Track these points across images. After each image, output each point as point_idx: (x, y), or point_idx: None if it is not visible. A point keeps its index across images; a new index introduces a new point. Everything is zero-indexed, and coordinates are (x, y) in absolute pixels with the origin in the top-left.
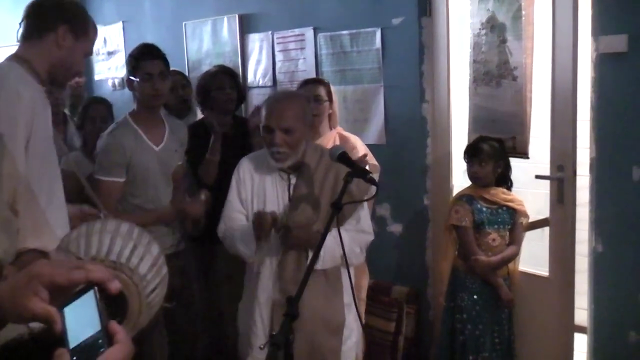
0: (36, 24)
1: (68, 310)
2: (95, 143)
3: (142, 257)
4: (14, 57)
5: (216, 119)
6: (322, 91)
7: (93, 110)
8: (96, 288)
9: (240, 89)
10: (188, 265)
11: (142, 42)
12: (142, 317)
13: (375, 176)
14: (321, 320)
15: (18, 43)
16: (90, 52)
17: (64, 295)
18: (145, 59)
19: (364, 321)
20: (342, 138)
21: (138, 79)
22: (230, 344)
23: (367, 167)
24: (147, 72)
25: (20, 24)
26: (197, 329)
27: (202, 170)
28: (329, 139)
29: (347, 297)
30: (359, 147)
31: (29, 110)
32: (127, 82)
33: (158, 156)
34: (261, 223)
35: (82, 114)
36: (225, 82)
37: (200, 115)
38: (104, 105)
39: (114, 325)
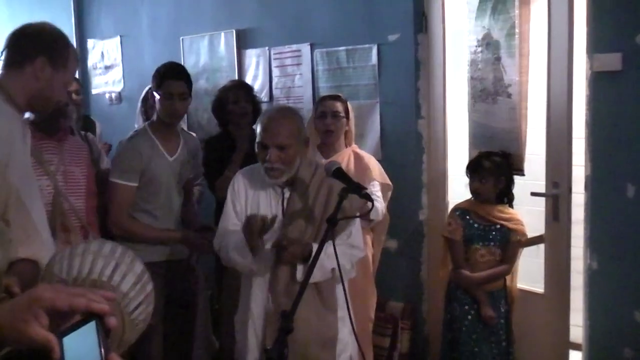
0: (16, 53)
1: (67, 340)
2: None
3: (124, 275)
4: None
5: (235, 132)
6: (340, 107)
7: (87, 126)
8: (98, 320)
9: (256, 102)
10: (189, 273)
11: (140, 56)
12: (127, 334)
13: (388, 195)
14: (314, 333)
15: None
16: (71, 82)
17: (62, 321)
18: (169, 77)
19: (371, 342)
20: (357, 156)
21: (159, 96)
22: (226, 354)
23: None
24: (169, 91)
25: (1, 52)
26: (198, 336)
27: (219, 185)
28: (344, 156)
29: (342, 311)
30: (373, 166)
31: (5, 142)
32: (150, 95)
33: (171, 166)
34: (251, 227)
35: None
36: (240, 95)
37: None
38: (88, 122)
39: (114, 358)
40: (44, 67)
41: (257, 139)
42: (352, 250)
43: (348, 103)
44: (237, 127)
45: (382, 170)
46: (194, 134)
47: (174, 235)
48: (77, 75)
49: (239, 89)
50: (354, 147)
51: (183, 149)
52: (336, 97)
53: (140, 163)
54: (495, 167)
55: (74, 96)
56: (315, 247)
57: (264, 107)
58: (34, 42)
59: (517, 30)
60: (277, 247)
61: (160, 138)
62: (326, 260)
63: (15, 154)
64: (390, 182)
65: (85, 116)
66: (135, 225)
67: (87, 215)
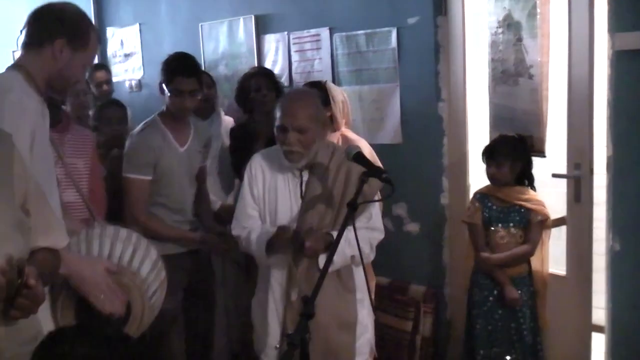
0: (35, 33)
1: None
2: (111, 145)
3: (142, 261)
4: (16, 66)
5: (258, 119)
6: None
7: (108, 112)
8: None
9: (278, 89)
10: (208, 264)
11: (159, 44)
12: (145, 318)
13: None
14: (334, 317)
15: (19, 50)
16: (91, 63)
17: None
18: (179, 74)
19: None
20: (345, 140)
21: (168, 92)
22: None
23: None
24: (179, 88)
25: (21, 31)
26: (217, 326)
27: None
28: (332, 140)
29: (360, 294)
30: (363, 148)
31: (32, 121)
32: (159, 87)
33: (182, 157)
34: (282, 238)
35: (97, 116)
36: (262, 83)
37: (223, 114)
38: (118, 107)
39: None
40: (63, 48)
41: (277, 122)
42: (373, 233)
43: (330, 88)
44: (260, 114)
45: (373, 152)
46: (204, 122)
47: (192, 237)
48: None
49: (261, 76)
50: (344, 130)
51: (194, 138)
52: (314, 84)
53: (152, 156)
54: (510, 151)
55: (104, 87)
56: (335, 234)
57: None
58: (54, 22)
59: (538, 11)
60: (298, 242)
61: (171, 129)
62: (347, 248)
63: (39, 134)
64: (381, 166)
65: (115, 101)
66: (154, 223)
67: (95, 209)
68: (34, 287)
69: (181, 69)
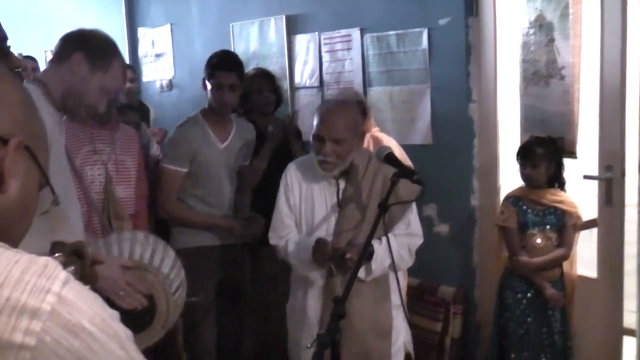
0: (59, 50)
1: None
2: None
3: (162, 260)
4: (35, 81)
5: (256, 121)
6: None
7: (124, 118)
8: None
9: (278, 92)
10: (241, 258)
11: (190, 44)
12: (171, 314)
13: None
14: (370, 324)
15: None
16: (109, 91)
17: None
18: (219, 69)
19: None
20: (376, 140)
21: (211, 86)
22: (276, 343)
23: None
24: (219, 82)
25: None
26: (245, 324)
27: (247, 176)
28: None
29: (396, 299)
30: (394, 149)
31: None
32: (202, 83)
33: (222, 153)
34: (322, 253)
35: None
36: (264, 85)
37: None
38: (133, 112)
39: None
40: (80, 62)
41: (314, 131)
42: (412, 239)
43: (364, 99)
44: (260, 116)
45: (403, 152)
46: (249, 123)
47: (219, 223)
48: (128, 62)
49: (263, 78)
50: (373, 131)
51: (235, 136)
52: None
53: (189, 149)
54: (546, 152)
55: (127, 84)
56: (376, 244)
57: (314, 92)
58: (75, 39)
59: (570, 11)
60: (339, 258)
61: (211, 125)
62: (387, 258)
63: (53, 147)
64: (412, 165)
65: (139, 102)
66: (182, 209)
67: (136, 204)
68: (97, 262)
69: (222, 63)
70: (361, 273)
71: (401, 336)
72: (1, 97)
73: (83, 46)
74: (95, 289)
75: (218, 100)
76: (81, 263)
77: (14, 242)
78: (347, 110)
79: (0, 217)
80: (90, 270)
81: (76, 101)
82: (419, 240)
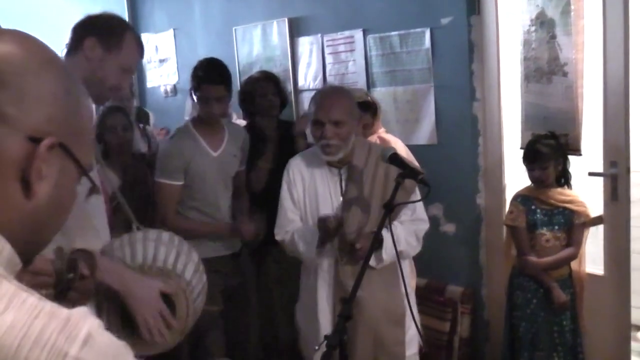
0: (72, 40)
1: None
2: (119, 152)
3: (185, 264)
4: None
5: (261, 123)
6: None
7: (112, 120)
8: None
9: (283, 94)
10: (245, 265)
11: (193, 49)
12: (190, 320)
13: None
14: (383, 311)
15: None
16: (129, 67)
17: None
18: (206, 82)
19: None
20: (382, 142)
21: (197, 98)
22: (282, 345)
23: None
24: (205, 95)
25: (65, 45)
26: (252, 329)
27: (253, 177)
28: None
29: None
30: (399, 149)
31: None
32: (189, 93)
33: (216, 162)
34: (327, 228)
35: (100, 124)
36: (269, 88)
37: (235, 119)
38: (121, 114)
39: None
40: (93, 46)
41: (312, 117)
42: (418, 224)
43: (374, 98)
44: (264, 119)
45: (409, 152)
46: (240, 127)
47: (222, 226)
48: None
49: (267, 81)
50: (380, 132)
51: (228, 143)
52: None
53: (182, 161)
54: (552, 150)
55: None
56: (384, 233)
57: None
58: (85, 25)
59: (572, 7)
60: (349, 247)
61: (203, 134)
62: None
63: None
64: (418, 165)
65: (138, 107)
66: (182, 221)
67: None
68: (87, 278)
69: (208, 76)
70: (372, 261)
71: (413, 325)
72: (36, 91)
73: (93, 30)
74: (124, 306)
75: (206, 113)
76: (72, 276)
77: (47, 238)
78: (343, 94)
79: (30, 221)
80: (81, 284)
81: (99, 86)
82: (425, 225)
